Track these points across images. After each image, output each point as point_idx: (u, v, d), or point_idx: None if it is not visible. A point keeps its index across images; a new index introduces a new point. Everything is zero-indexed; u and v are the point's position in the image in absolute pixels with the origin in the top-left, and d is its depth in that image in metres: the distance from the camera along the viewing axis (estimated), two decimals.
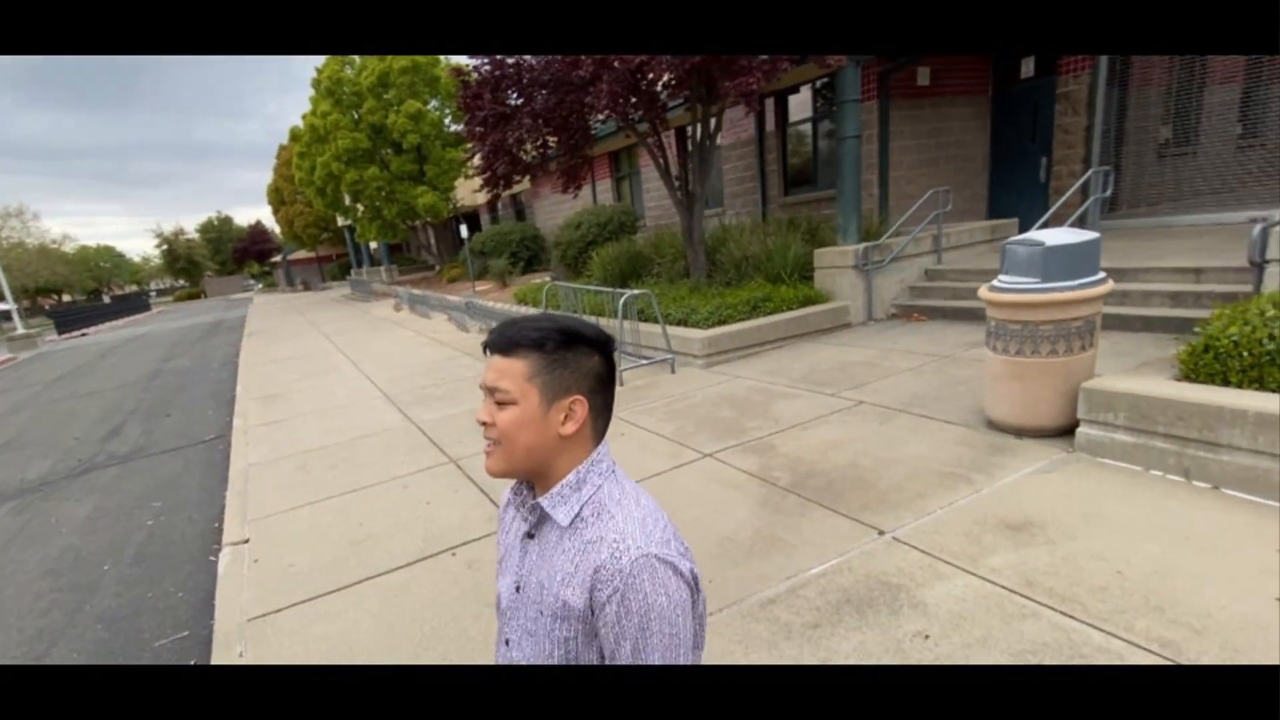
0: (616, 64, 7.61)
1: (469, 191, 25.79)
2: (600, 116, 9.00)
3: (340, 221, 29.06)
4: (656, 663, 0.98)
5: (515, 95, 8.98)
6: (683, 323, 7.81)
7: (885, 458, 4.30)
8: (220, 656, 3.18)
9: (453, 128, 21.86)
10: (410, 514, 4.44)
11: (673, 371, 7.15)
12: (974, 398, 5.08)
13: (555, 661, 1.07)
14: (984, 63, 11.18)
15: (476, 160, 10.15)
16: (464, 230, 16.40)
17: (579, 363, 1.07)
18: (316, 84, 20.95)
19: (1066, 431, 4.18)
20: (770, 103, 12.27)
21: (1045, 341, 4.13)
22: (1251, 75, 12.78)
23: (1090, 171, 8.16)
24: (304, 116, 22.33)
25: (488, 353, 1.08)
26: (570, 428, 1.07)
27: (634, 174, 16.24)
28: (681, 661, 1.00)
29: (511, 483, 1.20)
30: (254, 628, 3.35)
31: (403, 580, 3.62)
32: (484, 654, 2.91)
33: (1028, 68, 10.93)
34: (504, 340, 1.06)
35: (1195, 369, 3.74)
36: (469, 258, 16.67)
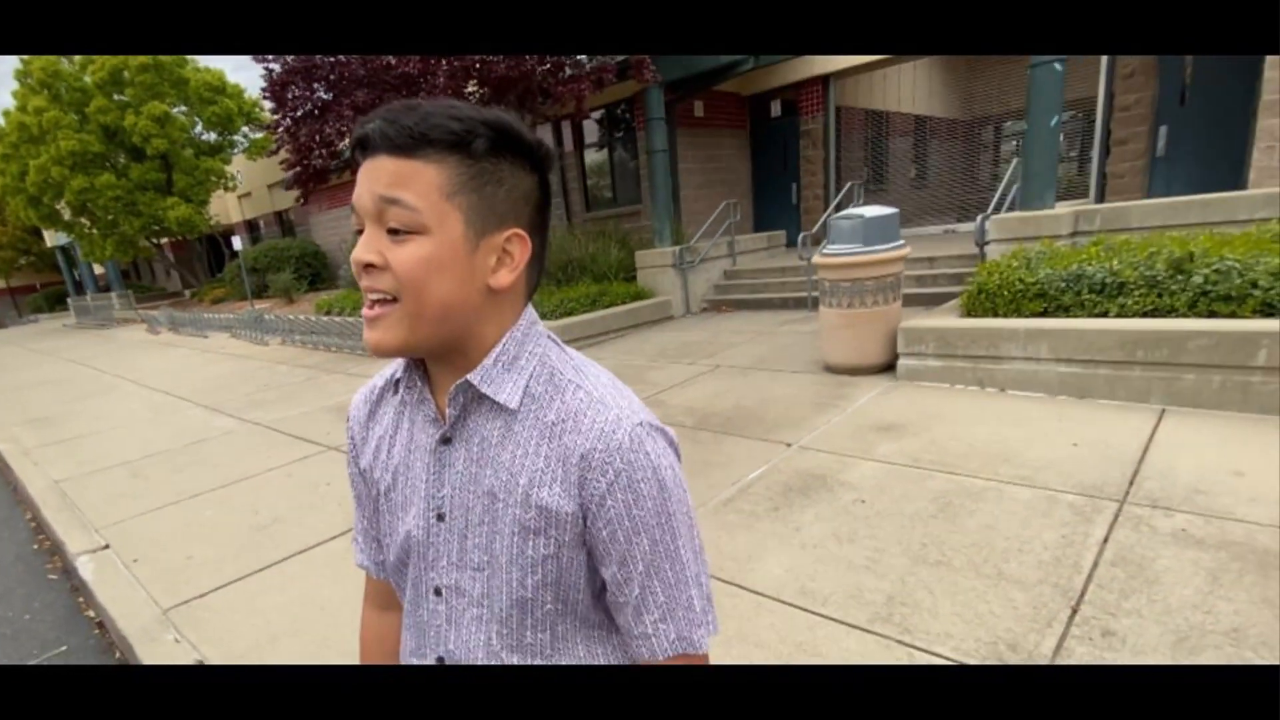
0: (445, 65, 7.60)
1: (223, 208, 22.94)
2: None
3: (52, 240, 23.83)
4: (684, 554, 0.74)
5: (324, 90, 8.47)
6: None
7: (761, 399, 4.92)
8: (146, 649, 2.73)
9: (205, 135, 19.30)
10: (313, 495, 4.08)
11: None
12: (805, 355, 5.97)
13: (528, 593, 0.74)
14: (741, 103, 12.81)
15: (282, 154, 9.27)
16: (236, 243, 14.56)
17: (517, 179, 0.70)
18: (22, 76, 17.19)
19: (889, 367, 5.15)
20: (567, 126, 12.83)
21: (869, 295, 5.07)
22: (919, 131, 16.23)
23: (839, 197, 9.86)
24: (3, 114, 18.16)
25: (367, 151, 0.66)
26: (505, 277, 0.71)
27: None
28: (699, 548, 0.77)
29: (367, 383, 0.88)
30: (180, 614, 2.92)
31: (343, 546, 3.37)
32: None
33: (776, 109, 12.77)
34: (400, 130, 0.64)
35: (974, 307, 4.88)
36: (243, 275, 14.80)
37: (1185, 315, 3.98)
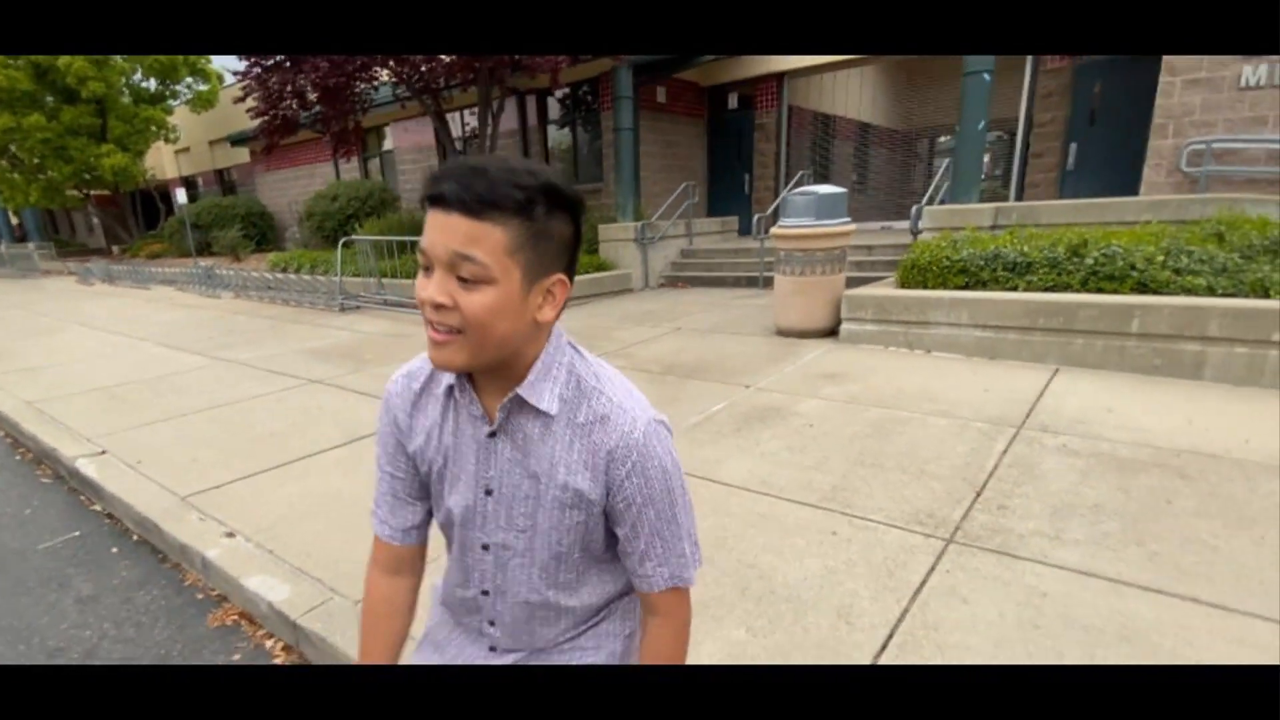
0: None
1: (157, 162, 21.97)
2: (385, 79, 8.90)
3: None
4: (681, 518, 0.93)
5: None
6: None
7: (721, 354, 5.43)
8: (172, 526, 2.96)
9: (145, 83, 18.46)
10: (307, 416, 4.34)
11: None
12: (759, 322, 6.52)
13: (563, 549, 0.94)
14: (700, 93, 13.31)
15: (250, 102, 9.17)
16: (181, 196, 14.11)
17: (562, 232, 0.83)
18: None
19: (833, 331, 5.75)
20: (532, 101, 13.05)
21: (819, 264, 5.65)
22: (861, 137, 17.12)
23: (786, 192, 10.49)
24: None
25: (437, 207, 0.77)
26: (549, 313, 0.86)
27: (386, 154, 15.66)
28: (690, 509, 0.95)
29: (408, 369, 1.01)
30: (200, 499, 3.17)
31: (350, 454, 3.68)
32: None
33: (733, 101, 13.31)
34: (474, 196, 0.75)
35: (907, 280, 5.52)
36: (187, 231, 14.36)
37: (1078, 291, 4.70)
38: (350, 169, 16.08)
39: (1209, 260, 4.39)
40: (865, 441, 3.45)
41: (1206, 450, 3.11)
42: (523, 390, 0.87)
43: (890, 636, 1.97)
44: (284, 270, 10.74)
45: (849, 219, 5.77)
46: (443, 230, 0.76)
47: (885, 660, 1.88)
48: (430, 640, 1.15)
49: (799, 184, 10.15)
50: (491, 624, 1.03)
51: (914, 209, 7.40)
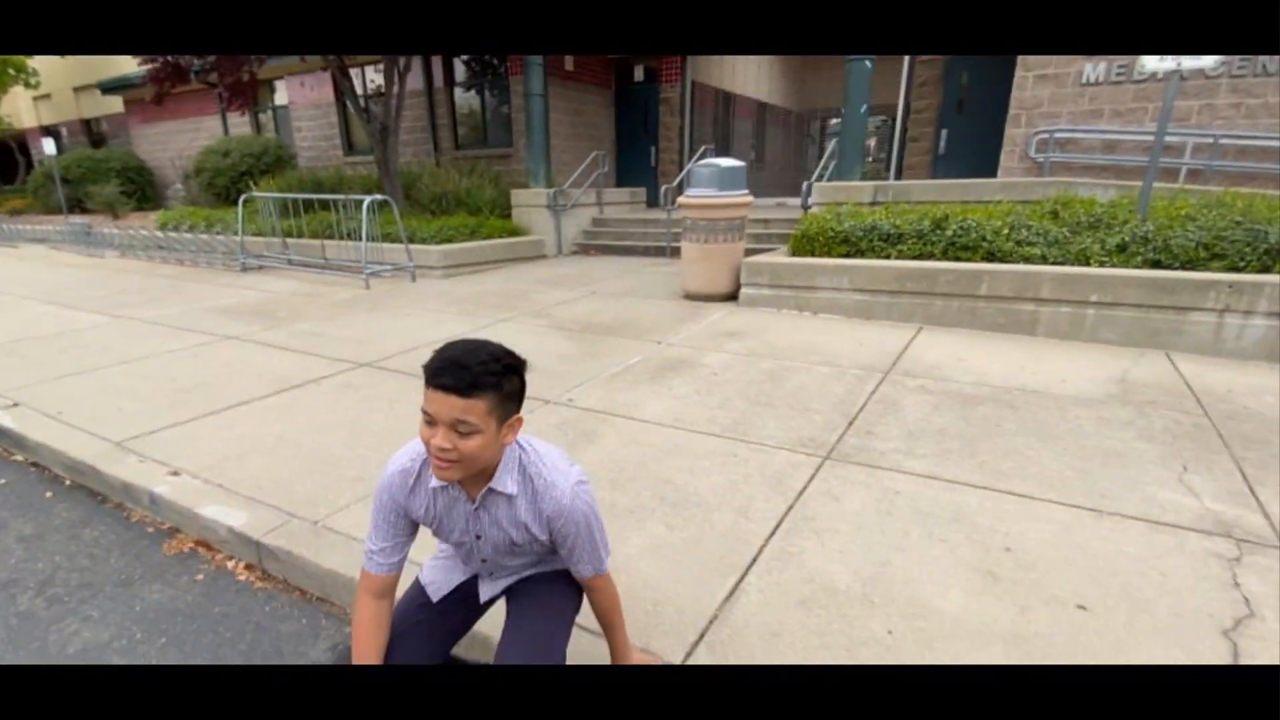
0: None
1: (13, 109, 19.65)
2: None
3: None
4: (596, 538, 1.44)
5: None
6: (410, 241, 8.14)
7: (633, 315, 5.79)
8: (112, 468, 3.00)
9: None
10: (230, 369, 4.35)
11: (413, 280, 7.55)
12: (668, 287, 6.93)
13: (532, 560, 1.55)
14: (608, 64, 13.42)
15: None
16: (48, 147, 12.79)
17: (516, 388, 1.28)
18: None
19: (733, 296, 6.23)
20: (438, 62, 12.73)
21: (722, 233, 6.09)
22: (759, 116, 17.76)
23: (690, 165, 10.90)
24: None
25: (438, 390, 1.19)
26: (510, 438, 1.32)
27: (280, 109, 14.79)
28: (603, 530, 1.48)
29: (395, 478, 1.42)
30: (135, 444, 3.21)
31: (284, 401, 3.78)
32: (393, 433, 3.49)
33: (639, 74, 13.51)
34: (463, 383, 1.18)
35: (798, 249, 6.06)
36: (57, 186, 13.07)
37: (939, 259, 5.38)
38: (240, 124, 15.11)
39: (1044, 234, 5.15)
40: (761, 386, 3.92)
41: (1032, 388, 3.78)
42: (494, 484, 1.37)
43: (778, 525, 2.42)
44: (175, 229, 10.11)
45: (748, 191, 6.23)
46: (444, 405, 1.20)
47: (773, 542, 2.31)
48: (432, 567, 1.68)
49: (702, 157, 10.59)
50: (484, 561, 1.55)
51: (805, 185, 8.01)
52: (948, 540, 2.30)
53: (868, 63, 7.62)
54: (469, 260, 8.14)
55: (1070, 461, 2.86)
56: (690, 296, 6.38)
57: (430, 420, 1.23)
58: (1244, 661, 1.70)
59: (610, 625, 1.58)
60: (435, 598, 1.61)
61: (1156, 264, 4.59)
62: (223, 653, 2.04)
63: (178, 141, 15.90)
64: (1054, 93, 8.25)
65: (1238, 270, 4.28)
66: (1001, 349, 4.58)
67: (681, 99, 12.97)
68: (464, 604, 1.62)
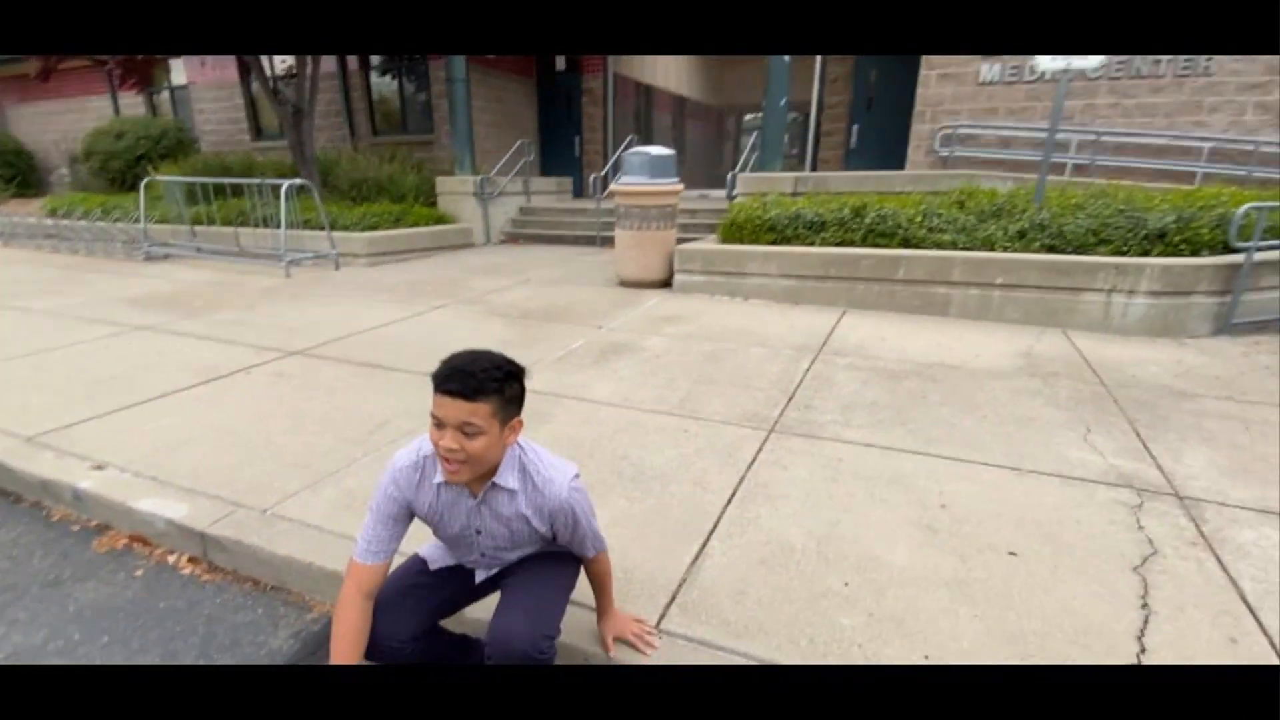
0: None
1: None
2: None
3: None
4: (594, 526, 1.53)
5: None
6: (332, 228, 7.78)
7: (571, 302, 5.78)
8: (25, 464, 2.75)
9: None
10: (148, 360, 4.06)
11: (337, 268, 7.22)
12: (602, 276, 6.94)
13: (532, 550, 1.59)
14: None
15: None
16: None
17: (516, 393, 1.36)
18: None
19: (667, 282, 6.31)
20: None
21: (654, 220, 6.16)
22: (678, 109, 17.95)
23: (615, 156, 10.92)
24: None
25: (447, 395, 1.26)
26: (512, 439, 1.39)
27: (179, 89, 13.73)
28: (595, 518, 1.56)
29: (401, 473, 1.46)
30: (50, 438, 2.96)
31: (213, 391, 3.57)
32: (335, 421, 3.38)
33: (561, 63, 13.36)
34: (468, 389, 1.26)
35: (727, 236, 6.21)
36: None
37: (859, 246, 5.64)
38: (134, 105, 13.93)
39: (953, 221, 5.49)
40: (702, 367, 4.01)
41: (949, 363, 4.05)
42: (497, 479, 1.43)
43: (734, 493, 2.51)
44: (66, 216, 9.23)
45: (678, 179, 6.32)
46: (452, 409, 1.28)
47: (730, 510, 2.40)
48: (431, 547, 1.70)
49: (628, 147, 10.63)
50: (482, 555, 1.59)
51: (729, 175, 8.21)
52: (889, 500, 2.45)
53: (785, 58, 7.85)
54: (395, 248, 7.87)
55: (990, 427, 3.10)
56: (625, 283, 6.42)
57: (439, 423, 1.30)
58: (1152, 594, 1.92)
59: (602, 589, 1.69)
60: (433, 567, 1.63)
61: (1052, 249, 4.99)
62: (175, 647, 1.94)
63: (61, 122, 14.50)
64: (955, 91, 8.74)
65: (1122, 254, 4.72)
66: (919, 329, 4.87)
67: (604, 90, 12.92)
68: (459, 579, 1.63)
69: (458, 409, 1.27)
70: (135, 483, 2.59)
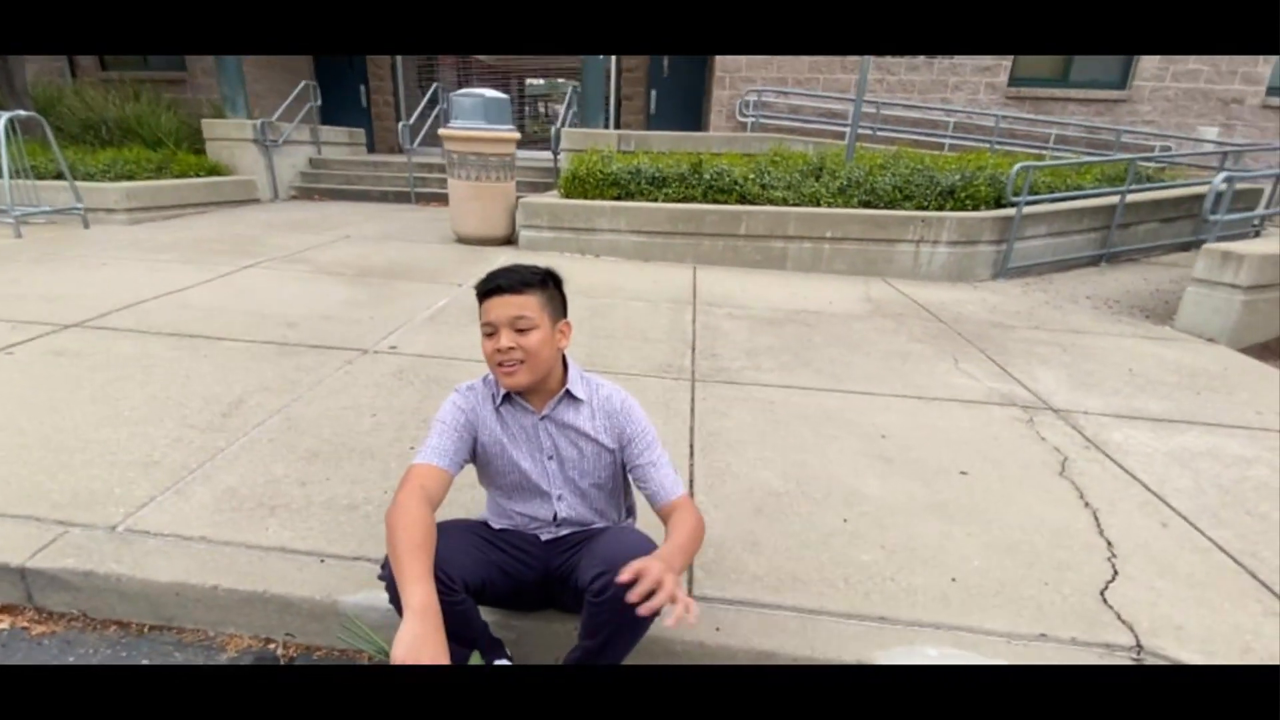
0: None
1: None
2: None
3: None
4: (661, 449, 1.39)
5: None
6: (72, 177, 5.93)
7: (411, 259, 5.07)
8: None
9: None
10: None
11: (86, 226, 5.53)
12: (434, 232, 6.21)
13: (601, 480, 1.41)
14: None
15: None
16: None
17: (559, 294, 1.34)
18: None
19: (510, 239, 5.83)
20: None
21: (492, 170, 5.62)
22: (463, 69, 16.75)
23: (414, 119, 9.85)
24: None
25: (491, 295, 1.25)
26: (565, 343, 1.35)
27: None
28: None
29: (462, 393, 1.39)
30: None
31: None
32: (166, 400, 2.62)
33: None
34: (514, 282, 1.25)
35: (571, 190, 5.89)
36: None
37: (701, 201, 5.68)
38: None
39: (782, 179, 5.74)
40: (592, 322, 3.74)
41: (812, 310, 4.24)
42: (570, 387, 1.37)
43: (691, 445, 2.35)
44: None
45: (512, 126, 5.81)
46: (501, 306, 1.26)
47: (698, 460, 2.23)
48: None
49: (433, 97, 9.62)
50: (558, 498, 1.43)
51: (553, 129, 7.79)
52: (836, 437, 2.46)
53: None
54: (163, 202, 6.26)
55: (878, 362, 3.28)
56: (464, 240, 5.81)
57: (491, 329, 1.27)
58: (1086, 494, 2.14)
59: (684, 551, 1.27)
60: (496, 526, 1.47)
61: (867, 204, 5.46)
62: None
63: None
64: (751, 60, 9.16)
65: (923, 209, 5.30)
66: (768, 281, 5.05)
67: None
68: (521, 544, 1.43)
69: (507, 305, 1.25)
70: None
